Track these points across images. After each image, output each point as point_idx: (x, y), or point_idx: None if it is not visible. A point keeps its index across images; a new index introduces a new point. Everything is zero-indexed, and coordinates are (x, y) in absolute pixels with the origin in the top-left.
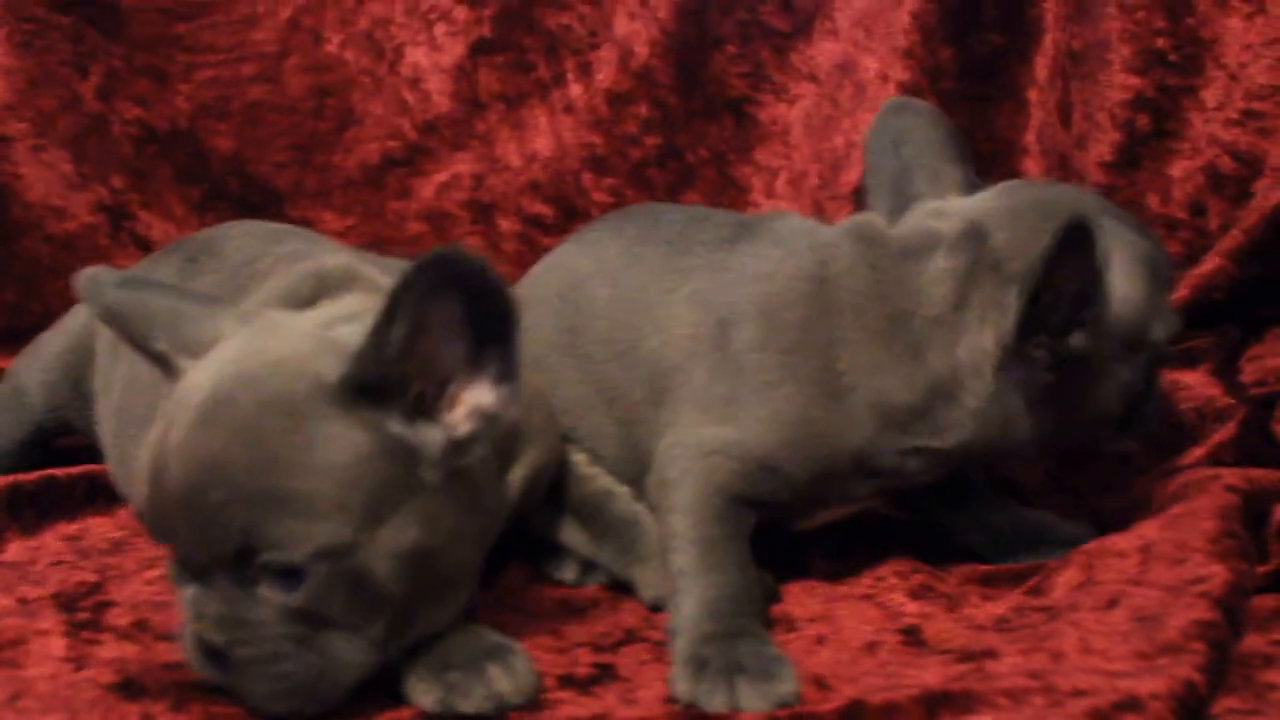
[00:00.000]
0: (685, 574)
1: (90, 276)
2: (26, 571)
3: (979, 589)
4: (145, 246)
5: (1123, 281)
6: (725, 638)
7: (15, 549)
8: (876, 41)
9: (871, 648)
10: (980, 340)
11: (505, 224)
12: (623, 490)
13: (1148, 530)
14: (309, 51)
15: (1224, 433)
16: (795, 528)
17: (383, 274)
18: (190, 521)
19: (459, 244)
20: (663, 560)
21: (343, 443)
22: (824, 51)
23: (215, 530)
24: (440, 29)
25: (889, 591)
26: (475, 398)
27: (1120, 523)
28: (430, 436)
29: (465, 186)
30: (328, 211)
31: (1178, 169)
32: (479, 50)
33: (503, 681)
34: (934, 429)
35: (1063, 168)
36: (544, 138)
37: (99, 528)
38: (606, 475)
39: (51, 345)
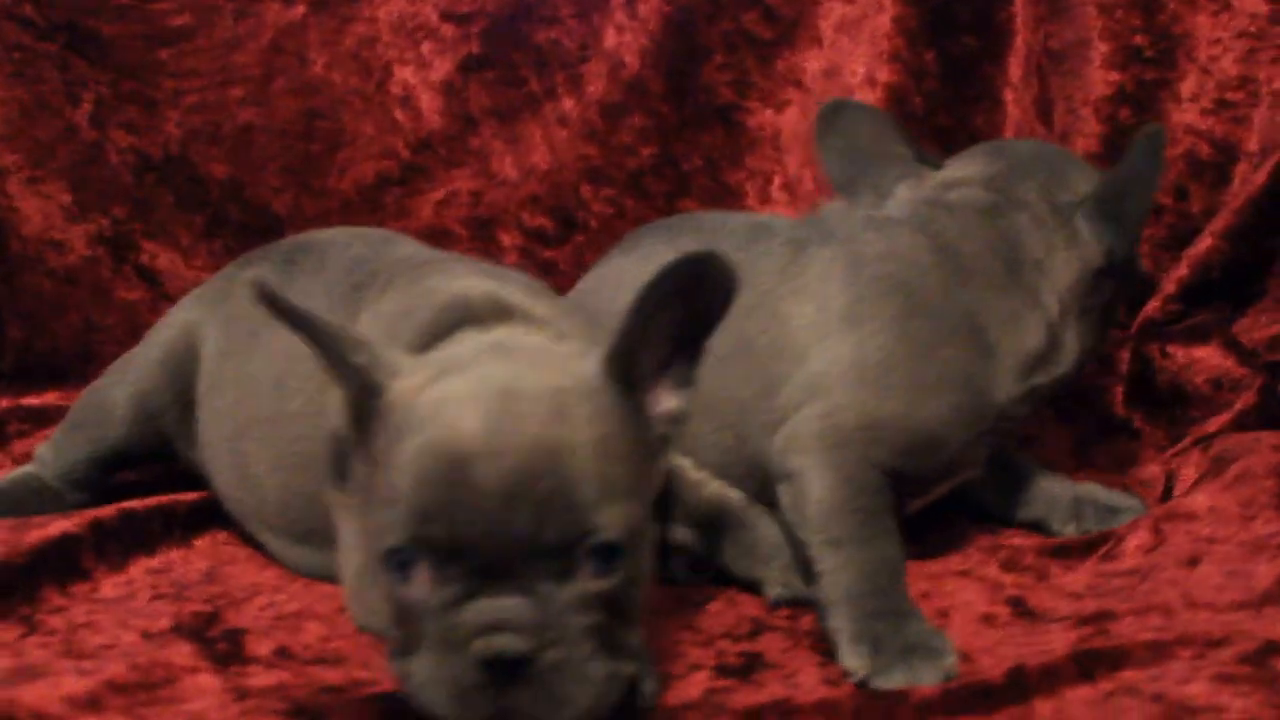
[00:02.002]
0: (844, 544)
1: (261, 283)
2: (131, 608)
3: (1054, 560)
4: (150, 278)
5: None
6: (893, 615)
7: (109, 586)
8: (861, 46)
9: (988, 620)
10: (1069, 272)
11: (506, 238)
12: (735, 493)
13: (1209, 493)
14: (295, 73)
15: (1245, 400)
16: (909, 509)
17: (529, 297)
18: (514, 515)
19: (718, 252)
20: (806, 537)
21: (627, 430)
22: (809, 58)
23: (544, 518)
24: (428, 46)
25: (981, 567)
26: (667, 401)
27: (1156, 494)
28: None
29: (464, 203)
30: None
31: None
32: (469, 66)
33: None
34: (1046, 367)
35: None
36: (540, 151)
37: (181, 561)
38: (715, 479)
39: (145, 356)
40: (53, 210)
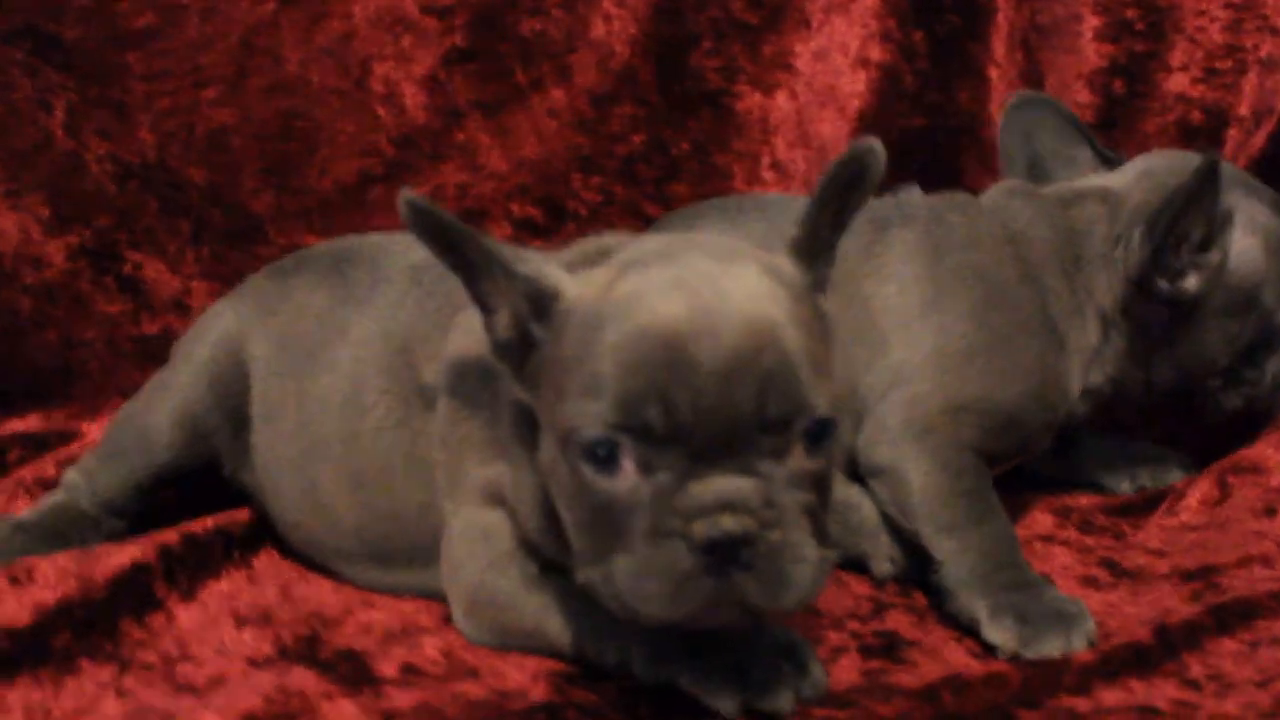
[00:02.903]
0: (957, 529)
1: (413, 200)
2: (221, 637)
3: (1118, 518)
4: (133, 288)
5: (1243, 239)
6: (1026, 586)
7: (184, 615)
8: (852, 27)
9: (1091, 582)
10: (1118, 274)
11: (496, 230)
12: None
13: (1273, 444)
14: (269, 72)
15: None
16: None
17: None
18: (736, 392)
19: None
20: (916, 527)
21: (818, 312)
22: (797, 41)
23: (767, 393)
24: (408, 40)
25: (1061, 530)
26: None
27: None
28: None
29: (451, 196)
30: (310, 235)
31: (1152, 125)
32: (452, 60)
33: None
34: (1100, 366)
35: None
36: (529, 142)
37: (247, 583)
38: None
39: (186, 374)
40: (30, 223)
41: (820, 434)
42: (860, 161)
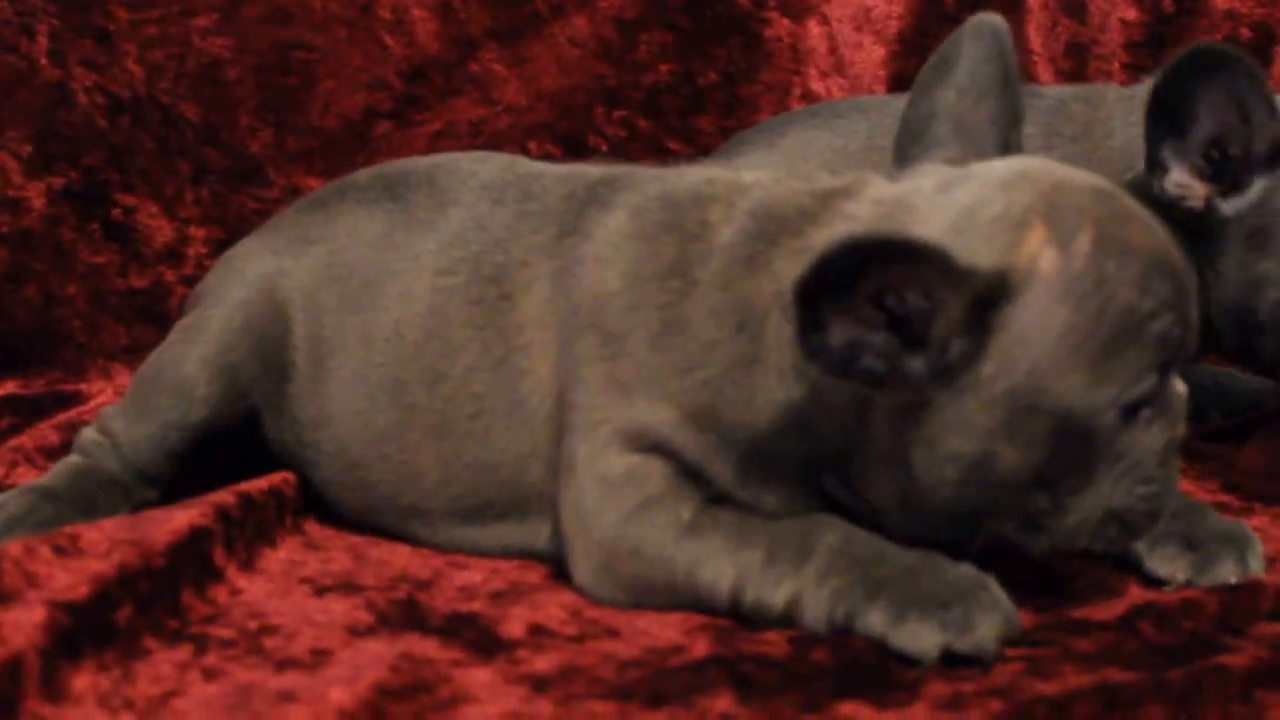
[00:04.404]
0: None
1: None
2: (303, 607)
3: (1222, 446)
4: (121, 236)
5: None
6: (1185, 511)
7: (250, 587)
8: None
9: (1223, 508)
10: None
11: None
12: None
13: None
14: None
15: None
16: None
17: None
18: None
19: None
20: None
21: None
22: None
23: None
24: None
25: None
26: None
27: None
28: None
29: (464, 133)
30: (312, 176)
31: None
32: None
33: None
34: None
35: (1073, 55)
36: (550, 74)
37: (305, 549)
38: None
39: (220, 320)
40: (8, 163)
41: None
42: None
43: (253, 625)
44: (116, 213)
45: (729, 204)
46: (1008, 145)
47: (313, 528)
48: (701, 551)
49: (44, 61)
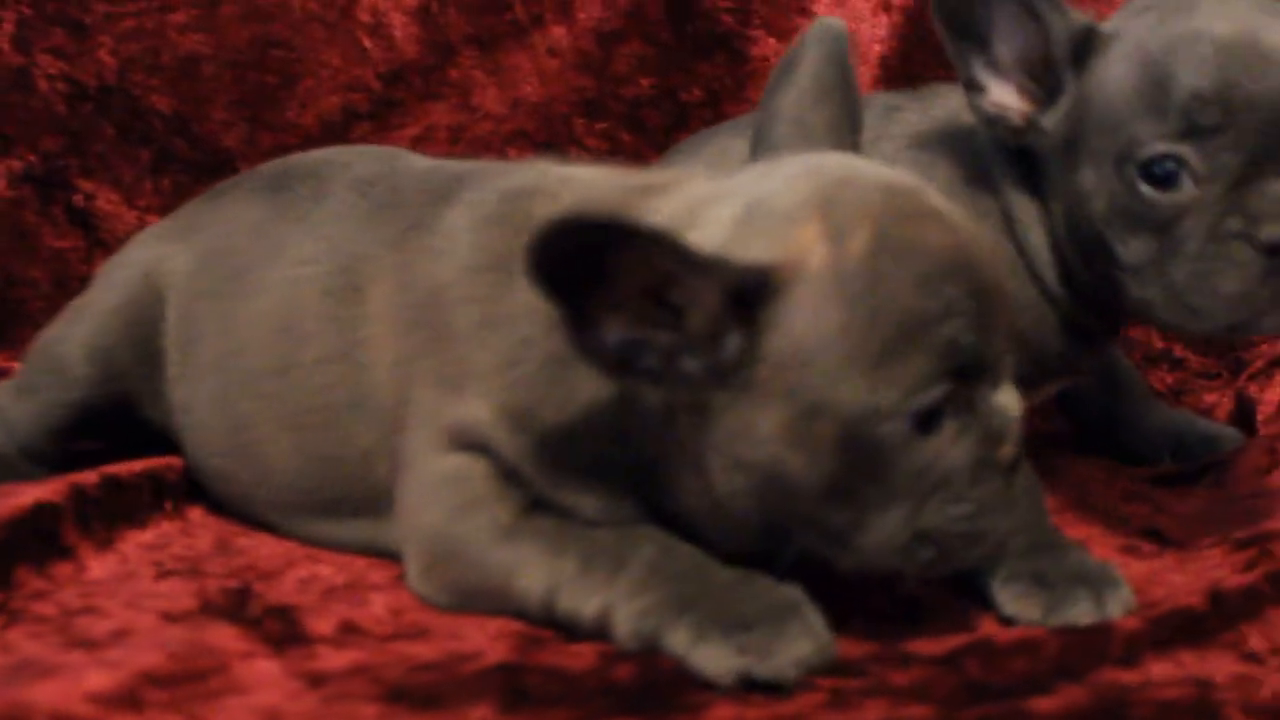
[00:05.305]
0: None
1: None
2: (136, 589)
3: (1163, 490)
4: (84, 222)
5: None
6: (1048, 549)
7: (98, 565)
8: None
9: (1132, 550)
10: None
11: None
12: None
13: None
14: None
15: None
16: None
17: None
18: (1007, 313)
19: None
20: None
21: None
22: None
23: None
24: None
25: (1100, 499)
26: None
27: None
28: None
29: (442, 139)
30: None
31: None
32: None
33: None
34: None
35: None
36: (529, 82)
37: (179, 533)
38: None
39: (100, 304)
40: None
41: None
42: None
43: (76, 604)
44: (78, 198)
45: (553, 197)
46: (848, 148)
47: (196, 513)
48: (517, 557)
49: (6, 47)
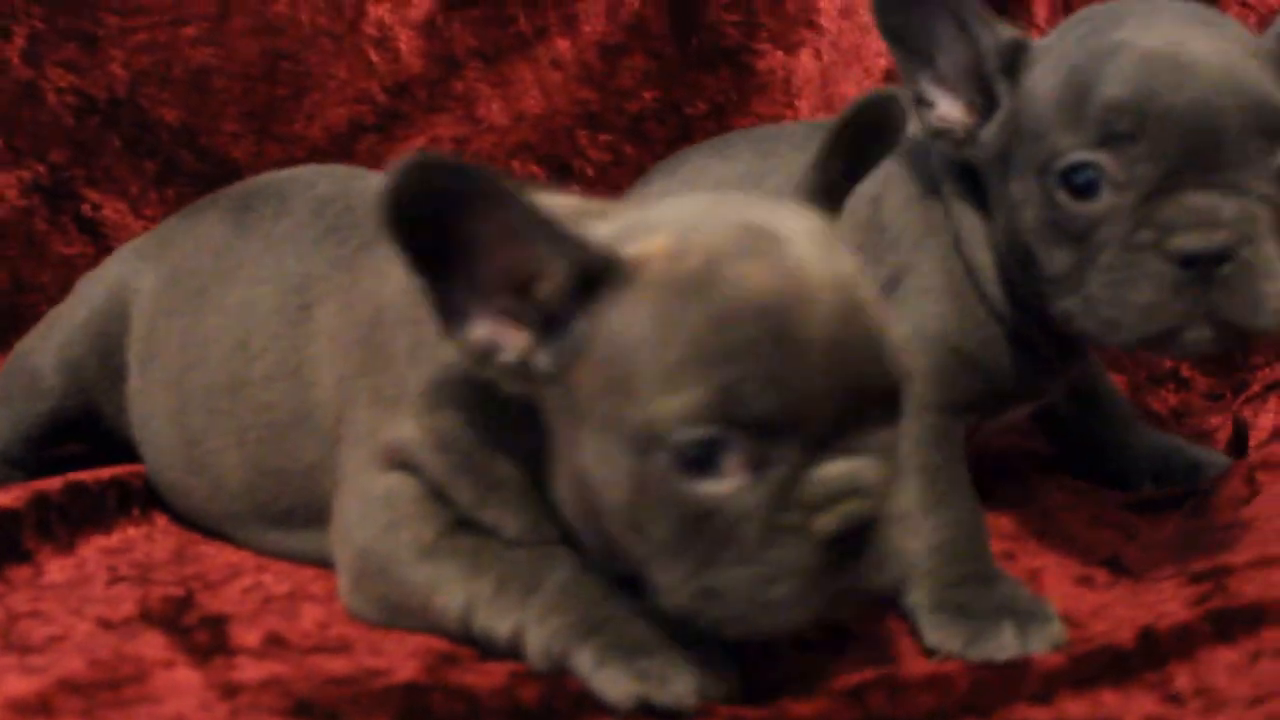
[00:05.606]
0: (909, 514)
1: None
2: (85, 594)
3: (1138, 516)
4: (92, 230)
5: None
6: (977, 580)
7: (56, 570)
8: None
9: (1086, 581)
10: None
11: None
12: None
13: None
14: (256, 11)
15: None
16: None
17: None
18: (879, 357)
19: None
20: None
21: None
22: None
23: (893, 361)
24: None
25: (1066, 525)
26: None
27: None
28: None
29: (447, 151)
30: None
31: None
32: (451, 3)
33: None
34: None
35: None
36: (532, 95)
37: (142, 540)
38: None
39: (71, 317)
40: None
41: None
42: (877, 108)
43: (24, 609)
44: (86, 208)
45: None
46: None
47: (162, 519)
48: (437, 575)
49: (15, 60)
